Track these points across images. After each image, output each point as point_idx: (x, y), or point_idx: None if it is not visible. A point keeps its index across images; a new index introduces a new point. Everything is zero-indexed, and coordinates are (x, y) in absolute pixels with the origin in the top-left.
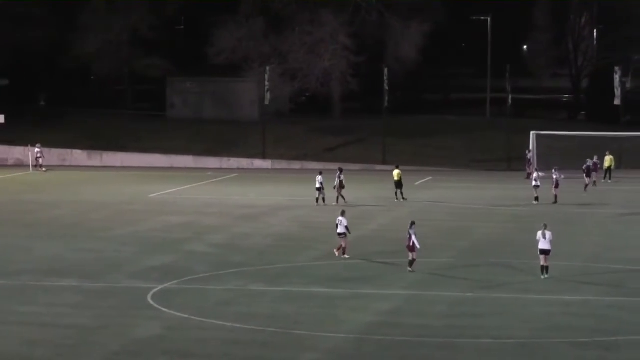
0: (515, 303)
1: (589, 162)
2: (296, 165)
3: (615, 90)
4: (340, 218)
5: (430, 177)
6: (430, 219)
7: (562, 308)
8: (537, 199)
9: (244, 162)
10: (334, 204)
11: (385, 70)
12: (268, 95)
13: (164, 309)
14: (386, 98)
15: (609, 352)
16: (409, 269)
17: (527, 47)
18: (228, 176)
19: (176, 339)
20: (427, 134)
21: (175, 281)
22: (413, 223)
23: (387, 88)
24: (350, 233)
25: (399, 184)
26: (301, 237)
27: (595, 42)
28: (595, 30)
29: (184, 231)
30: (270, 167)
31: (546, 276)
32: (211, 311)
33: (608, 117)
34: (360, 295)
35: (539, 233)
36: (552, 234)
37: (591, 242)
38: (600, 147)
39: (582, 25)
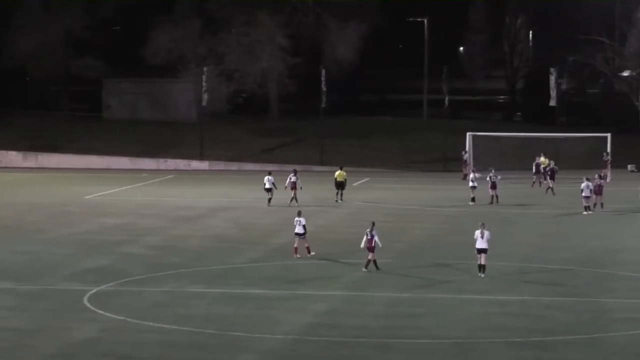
0: (451, 303)
1: (552, 164)
2: (233, 166)
3: (551, 92)
4: (299, 218)
5: (368, 178)
6: (367, 219)
7: (499, 308)
8: (473, 199)
9: (181, 163)
10: (295, 204)
11: (323, 71)
12: (205, 96)
13: (100, 311)
14: (323, 99)
15: (545, 352)
16: (370, 269)
17: (464, 49)
18: (165, 177)
19: (113, 342)
20: (365, 135)
21: (111, 283)
22: (373, 224)
23: (324, 89)
24: (306, 232)
25: (340, 185)
26: (239, 239)
27: (530, 44)
28: (530, 32)
29: (120, 233)
30: (207, 168)
31: (483, 275)
32: (148, 313)
33: (544, 118)
34: (297, 296)
35: (477, 232)
36: (490, 233)
37: (527, 243)
38: (536, 148)
39: (517, 26)
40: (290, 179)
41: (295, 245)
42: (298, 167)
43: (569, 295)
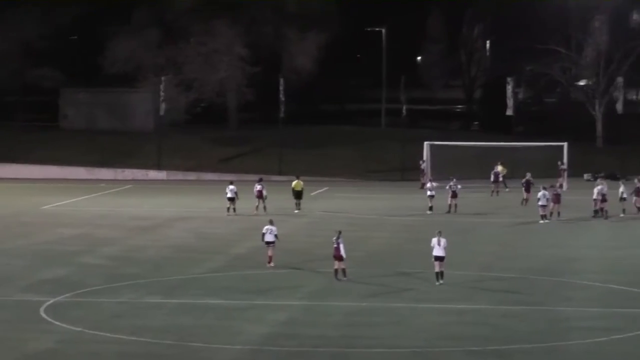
0: (409, 312)
1: (528, 176)
2: (192, 176)
3: (508, 101)
4: (270, 227)
5: (327, 188)
6: (326, 229)
7: (456, 317)
8: (431, 208)
9: (138, 173)
10: (262, 213)
11: (282, 81)
12: (163, 106)
13: (57, 323)
14: (282, 108)
15: None
16: (340, 277)
17: (422, 58)
18: (122, 187)
19: (70, 353)
20: (323, 144)
21: (68, 294)
22: (340, 232)
23: (283, 98)
24: (278, 239)
25: (298, 195)
26: (197, 249)
27: (488, 53)
28: (488, 42)
29: (77, 243)
30: (165, 178)
31: (441, 282)
32: (105, 324)
33: (501, 127)
34: (256, 306)
35: (434, 240)
36: (447, 241)
37: (485, 252)
38: (493, 157)
39: (475, 36)
40: (256, 187)
41: (270, 254)
42: (256, 177)
43: (526, 303)
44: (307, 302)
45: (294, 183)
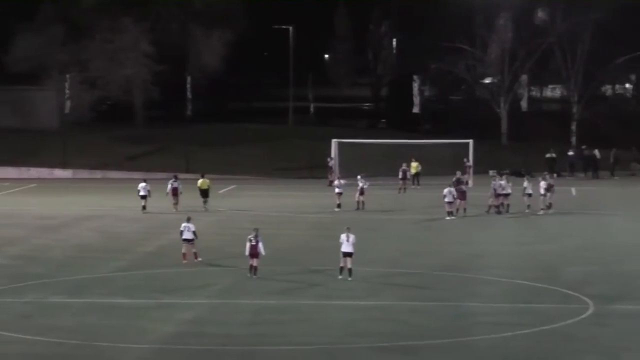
0: (317, 309)
1: (458, 174)
2: (98, 174)
3: (414, 99)
4: (187, 224)
5: (235, 186)
6: (234, 226)
7: (364, 313)
8: (339, 205)
9: (43, 172)
10: (177, 210)
11: (189, 79)
12: (68, 104)
13: None
14: (189, 106)
15: (409, 356)
16: (251, 275)
17: (329, 56)
18: (27, 186)
19: None
20: (231, 142)
21: None
22: (257, 230)
23: (190, 96)
24: (197, 238)
25: (204, 193)
26: (104, 248)
27: (394, 51)
28: (394, 40)
29: None
30: (71, 176)
31: (349, 279)
32: (10, 324)
33: (408, 125)
34: (163, 306)
35: (343, 236)
36: (355, 237)
37: (392, 248)
38: (401, 155)
39: (381, 34)
40: (172, 184)
41: (184, 251)
42: (163, 175)
43: (433, 299)
44: (215, 300)
45: (199, 182)
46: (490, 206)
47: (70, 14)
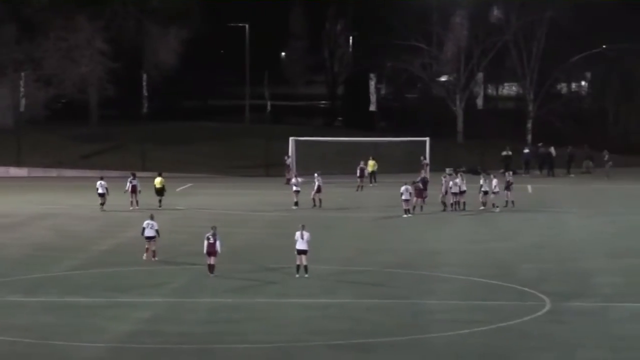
0: (274, 307)
1: (423, 174)
2: (53, 172)
3: (371, 97)
4: (150, 221)
5: (191, 184)
6: (191, 225)
7: (320, 311)
8: (296, 203)
9: None
10: (136, 208)
11: (144, 76)
12: (23, 102)
13: None
14: (145, 104)
15: (365, 354)
16: (211, 274)
17: (285, 54)
18: None
19: None
20: (187, 140)
21: None
22: (215, 228)
23: (146, 94)
24: (159, 236)
25: (159, 192)
26: (59, 246)
27: (350, 49)
28: (350, 38)
29: None
30: (26, 175)
31: (306, 275)
32: None
33: (364, 123)
34: (120, 304)
35: (297, 233)
36: (310, 235)
37: (348, 246)
38: (357, 153)
39: (337, 32)
40: (131, 182)
41: (148, 247)
42: (118, 174)
43: (389, 297)
44: (171, 299)
45: (155, 180)
46: (444, 203)
47: (24, 12)
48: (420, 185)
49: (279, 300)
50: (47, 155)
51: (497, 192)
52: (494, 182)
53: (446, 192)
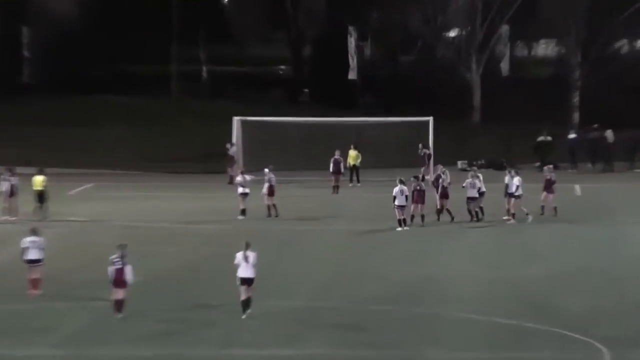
0: None
1: (440, 168)
2: None
3: (350, 60)
4: (34, 238)
5: (92, 184)
6: (91, 243)
7: None
8: (243, 212)
9: None
10: (3, 218)
11: (25, 31)
12: None
13: None
14: (26, 71)
15: None
16: (119, 313)
17: (229, 2)
18: None
19: None
20: (89, 121)
21: None
22: (124, 247)
23: (28, 56)
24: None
25: (40, 196)
26: None
27: None
28: None
29: None
30: None
31: (249, 311)
32: None
33: (340, 97)
34: None
35: (239, 255)
36: (256, 256)
37: (317, 271)
38: (333, 139)
39: None
40: (8, 181)
41: (32, 276)
42: None
43: (376, 347)
44: (60, 350)
45: (34, 179)
46: (439, 210)
47: None
48: (423, 186)
49: (219, 353)
50: None
51: (521, 195)
52: (515, 180)
53: (446, 196)
